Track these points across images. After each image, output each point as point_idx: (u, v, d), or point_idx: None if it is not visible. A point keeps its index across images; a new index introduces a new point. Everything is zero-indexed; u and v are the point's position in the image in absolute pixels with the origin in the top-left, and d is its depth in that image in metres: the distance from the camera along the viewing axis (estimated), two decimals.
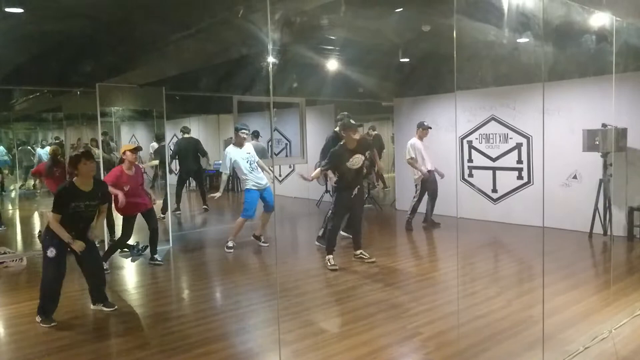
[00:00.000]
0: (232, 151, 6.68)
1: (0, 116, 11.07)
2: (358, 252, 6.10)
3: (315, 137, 10.58)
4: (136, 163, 6.01)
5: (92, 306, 4.59)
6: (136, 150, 6.00)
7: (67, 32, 6.18)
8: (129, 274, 6.04)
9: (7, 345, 3.92)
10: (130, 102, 7.49)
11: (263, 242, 6.96)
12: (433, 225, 7.95)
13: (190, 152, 9.86)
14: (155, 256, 6.23)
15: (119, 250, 6.72)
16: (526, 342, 3.68)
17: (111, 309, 4.52)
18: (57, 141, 10.89)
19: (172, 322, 4.28)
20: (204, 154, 10.02)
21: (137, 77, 7.38)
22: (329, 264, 5.75)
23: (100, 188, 4.36)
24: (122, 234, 5.97)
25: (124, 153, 5.92)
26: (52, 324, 4.17)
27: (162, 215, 8.67)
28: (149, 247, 6.39)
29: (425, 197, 7.91)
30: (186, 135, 9.99)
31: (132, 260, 6.44)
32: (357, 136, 5.77)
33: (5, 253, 6.32)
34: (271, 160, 9.10)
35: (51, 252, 4.15)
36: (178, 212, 10.14)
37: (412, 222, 7.85)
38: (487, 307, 4.41)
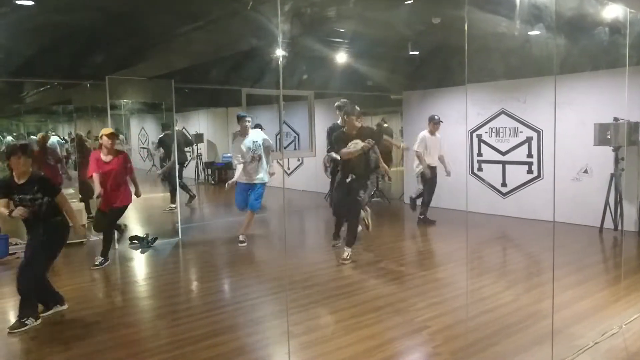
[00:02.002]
0: (239, 141, 6.53)
1: (11, 108, 11.16)
2: (346, 251, 5.75)
3: (323, 131, 10.55)
4: (120, 150, 5.73)
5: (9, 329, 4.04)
6: (112, 136, 5.60)
7: (77, 24, 6.20)
8: (138, 265, 6.08)
9: (19, 335, 3.96)
10: (140, 94, 7.52)
11: (240, 242, 6.64)
12: (426, 222, 7.77)
13: (182, 144, 9.96)
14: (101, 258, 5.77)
15: (129, 241, 6.78)
16: (535, 336, 3.66)
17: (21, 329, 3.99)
18: (47, 133, 10.94)
19: (180, 314, 4.30)
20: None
21: (147, 70, 7.40)
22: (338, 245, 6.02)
23: (36, 182, 4.11)
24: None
25: (100, 137, 5.61)
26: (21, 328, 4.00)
27: (172, 206, 8.72)
28: (157, 239, 6.40)
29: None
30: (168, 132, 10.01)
31: (142, 252, 6.48)
32: (358, 123, 5.65)
33: (16, 244, 6.38)
34: (280, 153, 9.08)
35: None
36: (195, 198, 10.15)
37: (427, 216, 7.75)
38: (496, 301, 4.40)
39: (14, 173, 4.12)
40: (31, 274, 4.10)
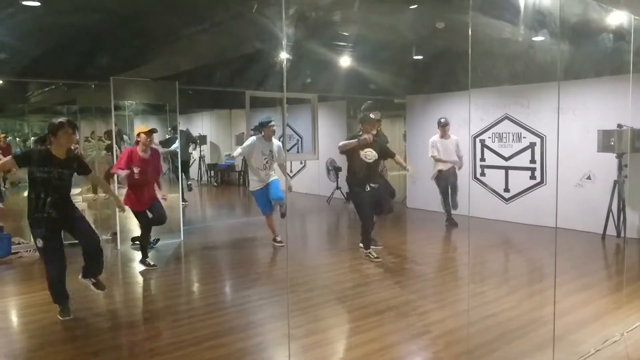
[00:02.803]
0: (257, 141, 6.45)
1: (15, 108, 11.20)
2: (366, 250, 6.03)
3: (326, 134, 10.57)
4: (153, 147, 5.79)
5: (80, 278, 4.36)
6: (150, 132, 5.70)
7: (83, 25, 6.23)
8: (140, 266, 6.08)
9: (21, 334, 3.98)
10: (144, 95, 7.54)
11: (278, 243, 6.71)
12: (451, 224, 7.81)
13: (185, 143, 10.06)
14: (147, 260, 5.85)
15: (131, 242, 6.80)
16: (536, 342, 3.65)
17: (101, 290, 4.40)
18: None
19: (182, 315, 4.30)
20: None
21: (151, 71, 7.42)
22: (371, 256, 5.91)
23: (75, 159, 4.24)
24: (141, 230, 5.89)
25: (138, 135, 5.68)
26: (67, 318, 4.12)
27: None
28: (159, 240, 6.36)
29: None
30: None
31: None
32: (374, 131, 5.83)
33: (19, 243, 6.40)
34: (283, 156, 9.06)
35: (39, 242, 4.06)
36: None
37: (451, 220, 7.74)
38: (497, 306, 4.39)
39: (52, 148, 4.08)
40: (97, 238, 4.34)
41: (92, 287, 4.37)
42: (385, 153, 6.04)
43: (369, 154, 5.77)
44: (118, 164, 5.63)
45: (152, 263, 5.82)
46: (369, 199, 5.86)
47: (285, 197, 6.65)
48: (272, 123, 6.47)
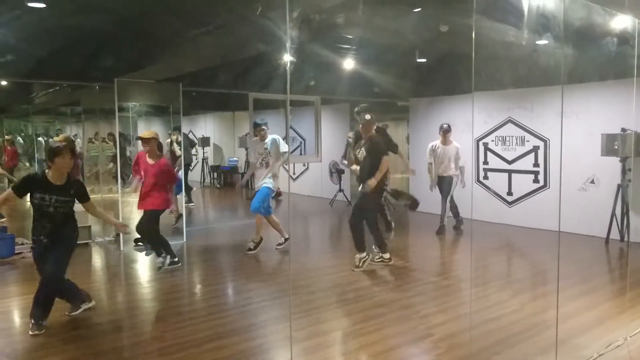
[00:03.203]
0: (254, 144, 6.67)
1: (20, 109, 11.26)
2: (359, 254, 5.72)
3: (330, 136, 10.57)
4: (163, 158, 5.71)
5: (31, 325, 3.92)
6: (146, 140, 5.53)
7: (87, 27, 6.26)
8: (142, 267, 6.10)
9: (23, 334, 3.98)
10: (148, 97, 7.56)
11: (278, 244, 6.73)
12: (458, 224, 7.81)
13: (187, 146, 10.13)
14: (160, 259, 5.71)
15: (134, 243, 6.81)
16: (539, 346, 3.64)
17: (36, 332, 3.88)
18: (71, 136, 11.04)
19: (183, 317, 4.31)
20: None
21: (155, 73, 7.45)
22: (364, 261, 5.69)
23: (74, 185, 4.08)
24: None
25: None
26: (37, 332, 3.88)
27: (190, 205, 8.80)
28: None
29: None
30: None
31: (146, 255, 6.48)
32: (370, 132, 5.69)
33: (22, 244, 6.42)
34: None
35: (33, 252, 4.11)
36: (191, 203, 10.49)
37: (444, 227, 7.63)
38: (500, 310, 4.38)
39: (49, 173, 3.98)
40: (62, 277, 4.09)
41: (32, 329, 3.89)
42: (372, 157, 5.61)
43: (360, 153, 5.69)
44: (134, 170, 5.75)
45: (175, 261, 5.72)
46: (358, 200, 5.69)
47: (263, 210, 6.56)
48: (262, 126, 6.53)
